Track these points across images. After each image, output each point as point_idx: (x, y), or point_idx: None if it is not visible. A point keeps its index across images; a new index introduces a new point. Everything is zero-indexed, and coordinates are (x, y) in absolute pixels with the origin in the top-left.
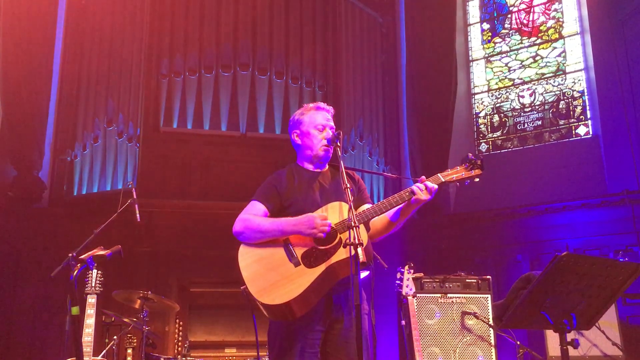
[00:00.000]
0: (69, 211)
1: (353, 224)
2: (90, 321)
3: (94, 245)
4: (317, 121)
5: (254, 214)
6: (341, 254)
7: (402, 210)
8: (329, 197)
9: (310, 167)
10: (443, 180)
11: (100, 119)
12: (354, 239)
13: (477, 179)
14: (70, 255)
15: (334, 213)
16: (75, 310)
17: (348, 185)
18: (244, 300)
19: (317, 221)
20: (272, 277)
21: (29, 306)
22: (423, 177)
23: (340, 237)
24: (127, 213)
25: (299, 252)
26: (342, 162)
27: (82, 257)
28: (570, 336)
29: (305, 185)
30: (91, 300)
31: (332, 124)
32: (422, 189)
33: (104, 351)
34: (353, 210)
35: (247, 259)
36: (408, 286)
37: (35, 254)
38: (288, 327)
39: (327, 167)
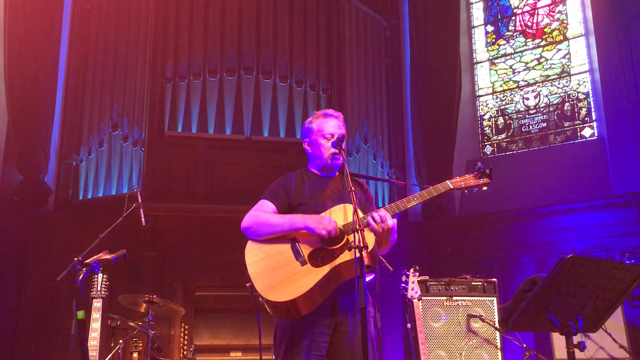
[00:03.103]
0: (74, 215)
1: (358, 227)
2: (95, 325)
3: (99, 249)
4: (326, 130)
5: (263, 211)
6: (347, 255)
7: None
8: (338, 203)
9: (320, 173)
10: (451, 187)
11: (105, 123)
12: (359, 241)
13: (484, 188)
14: (75, 259)
15: (339, 215)
16: (80, 314)
17: (353, 188)
18: (250, 296)
19: (325, 219)
20: (278, 274)
21: (35, 310)
22: (381, 208)
23: (347, 239)
24: (132, 217)
25: (305, 251)
26: (346, 164)
27: (88, 261)
28: (576, 339)
29: (315, 190)
30: (97, 304)
31: (342, 130)
32: (377, 221)
33: (110, 355)
34: (358, 212)
35: (254, 255)
36: (413, 289)
37: (41, 258)
38: (294, 330)
39: (337, 174)
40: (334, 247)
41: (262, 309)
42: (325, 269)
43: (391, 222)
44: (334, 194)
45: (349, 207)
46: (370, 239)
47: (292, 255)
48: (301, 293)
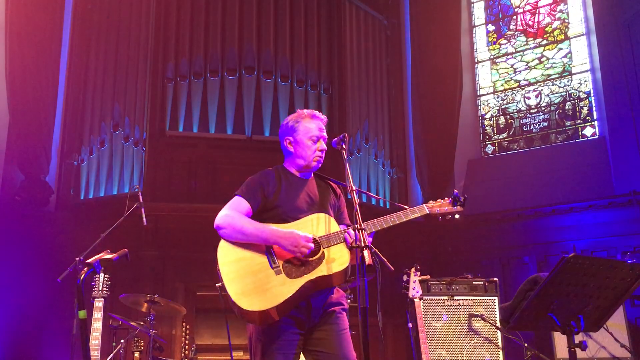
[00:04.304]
0: (75, 215)
1: (359, 227)
2: (97, 325)
3: (100, 249)
4: (312, 132)
5: (238, 211)
6: (323, 270)
7: None
8: (314, 207)
9: (297, 174)
10: (427, 211)
11: (106, 123)
12: (360, 240)
13: (457, 216)
14: (77, 259)
15: (319, 225)
16: (82, 314)
17: (354, 188)
18: (219, 297)
19: (300, 242)
20: (251, 281)
21: (36, 310)
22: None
23: (323, 252)
24: (133, 217)
25: (280, 259)
26: (347, 164)
27: (89, 260)
28: (578, 338)
29: (293, 191)
30: (98, 304)
31: (325, 134)
32: (352, 237)
33: (111, 355)
34: (359, 213)
35: (228, 256)
36: (415, 288)
37: (42, 258)
38: (267, 332)
39: (312, 176)
40: (311, 259)
41: (231, 311)
42: (301, 281)
43: (367, 239)
44: (309, 198)
45: (323, 217)
46: (345, 254)
47: (266, 262)
48: (274, 305)
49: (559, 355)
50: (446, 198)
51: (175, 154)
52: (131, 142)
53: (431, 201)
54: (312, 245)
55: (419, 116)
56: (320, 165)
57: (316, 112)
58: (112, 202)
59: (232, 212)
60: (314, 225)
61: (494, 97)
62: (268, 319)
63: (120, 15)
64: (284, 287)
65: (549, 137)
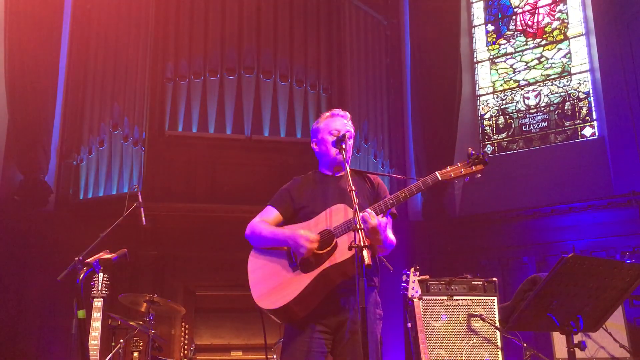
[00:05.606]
0: (75, 215)
1: (358, 227)
2: (96, 325)
3: (100, 248)
4: (332, 127)
5: (264, 218)
6: (335, 258)
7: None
8: (343, 201)
9: (329, 172)
10: (440, 178)
11: (105, 122)
12: (359, 241)
13: (478, 175)
14: (76, 259)
15: (337, 215)
16: (81, 313)
17: (353, 188)
18: (254, 304)
19: (299, 242)
20: (271, 282)
21: (36, 310)
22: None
23: (336, 242)
24: (133, 216)
25: (298, 257)
26: (347, 164)
27: (89, 260)
28: (577, 338)
29: (319, 189)
30: (97, 303)
31: (348, 128)
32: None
33: (110, 355)
34: (358, 212)
35: (254, 264)
36: (414, 288)
37: (42, 257)
38: (296, 330)
39: (345, 171)
40: (323, 251)
41: (266, 313)
42: (314, 273)
43: (375, 221)
44: (338, 193)
45: (341, 208)
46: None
47: (286, 262)
48: (290, 299)
49: (558, 355)
50: (464, 161)
51: (174, 153)
52: (130, 142)
53: (448, 166)
54: (311, 244)
55: (418, 116)
56: (347, 157)
57: (335, 110)
58: (111, 201)
59: (256, 219)
60: (331, 217)
61: (493, 97)
62: (291, 315)
63: (120, 14)
64: (299, 282)
65: (548, 137)
